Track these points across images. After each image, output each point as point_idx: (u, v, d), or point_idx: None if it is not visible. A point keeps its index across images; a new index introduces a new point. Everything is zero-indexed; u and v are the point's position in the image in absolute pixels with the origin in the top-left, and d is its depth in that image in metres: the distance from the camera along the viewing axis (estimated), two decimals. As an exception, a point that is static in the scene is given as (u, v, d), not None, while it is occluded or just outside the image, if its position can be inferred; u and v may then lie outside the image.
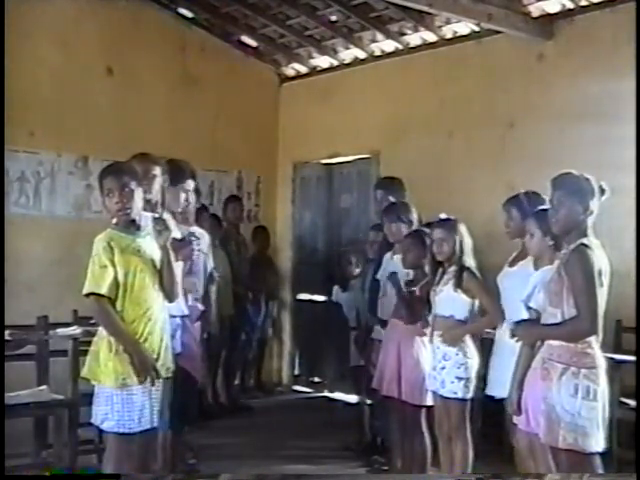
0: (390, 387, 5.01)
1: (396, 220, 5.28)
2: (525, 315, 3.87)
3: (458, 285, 4.65)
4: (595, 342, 3.56)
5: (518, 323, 3.80)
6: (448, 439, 4.72)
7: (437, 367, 4.68)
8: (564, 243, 3.71)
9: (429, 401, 4.87)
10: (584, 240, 3.58)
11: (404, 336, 5.00)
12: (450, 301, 4.68)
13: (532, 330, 3.77)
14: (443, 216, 4.82)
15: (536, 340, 3.74)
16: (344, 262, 6.67)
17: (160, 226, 3.93)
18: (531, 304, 3.82)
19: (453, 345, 4.63)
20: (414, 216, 5.32)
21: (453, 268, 4.70)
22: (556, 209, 3.68)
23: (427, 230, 5.01)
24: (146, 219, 3.99)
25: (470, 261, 4.74)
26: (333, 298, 6.76)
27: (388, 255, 5.42)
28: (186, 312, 4.55)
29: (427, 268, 4.92)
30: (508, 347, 4.10)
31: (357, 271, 6.48)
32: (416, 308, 4.92)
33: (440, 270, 4.77)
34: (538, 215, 4.13)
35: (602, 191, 3.68)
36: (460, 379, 4.61)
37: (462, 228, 4.77)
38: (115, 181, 3.82)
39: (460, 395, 4.62)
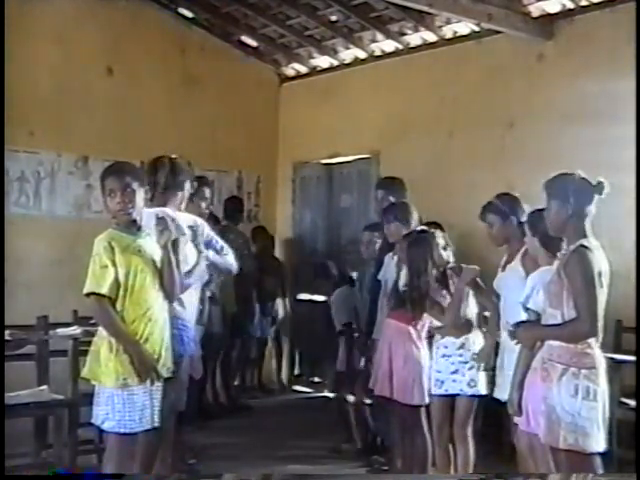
0: (382, 386, 5.03)
1: (393, 220, 5.30)
2: (524, 316, 3.86)
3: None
4: (595, 342, 3.56)
5: (517, 325, 3.80)
6: (449, 442, 4.75)
7: (462, 369, 4.70)
8: (563, 244, 3.71)
9: (420, 401, 4.89)
10: (583, 241, 3.57)
11: (395, 336, 5.02)
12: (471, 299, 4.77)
13: (532, 331, 3.77)
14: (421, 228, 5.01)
15: (536, 342, 3.74)
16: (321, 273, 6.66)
17: (161, 226, 3.93)
18: (529, 305, 3.82)
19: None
20: (414, 216, 5.32)
21: (450, 272, 4.79)
22: (549, 211, 3.69)
23: (427, 231, 5.03)
24: (148, 218, 3.99)
25: None
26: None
27: (389, 255, 5.43)
28: (194, 318, 4.53)
29: (426, 269, 4.94)
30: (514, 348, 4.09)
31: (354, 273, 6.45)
32: (413, 305, 4.94)
33: (440, 274, 4.80)
34: (530, 216, 4.19)
35: (601, 188, 3.64)
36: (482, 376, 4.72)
37: None
38: (117, 181, 3.82)
39: (485, 391, 4.71)
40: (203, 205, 5.40)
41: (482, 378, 4.71)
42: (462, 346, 4.75)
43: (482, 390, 4.71)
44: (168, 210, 4.21)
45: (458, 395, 4.74)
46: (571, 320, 3.53)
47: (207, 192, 5.53)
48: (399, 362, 4.96)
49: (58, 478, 4.43)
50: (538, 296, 3.77)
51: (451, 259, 4.87)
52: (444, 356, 4.78)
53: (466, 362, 4.70)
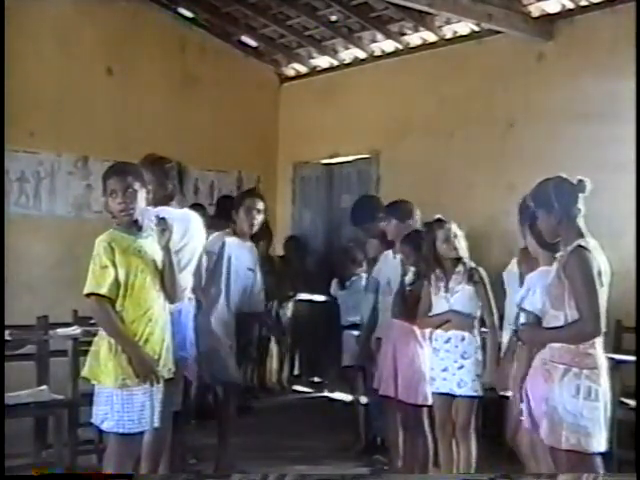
0: (387, 386, 5.03)
1: (393, 219, 5.30)
2: (522, 317, 3.84)
3: (473, 282, 4.69)
4: (598, 342, 3.55)
5: (522, 326, 3.78)
6: (452, 438, 4.73)
7: (451, 367, 4.65)
8: (561, 245, 3.70)
9: (424, 400, 4.88)
10: (581, 242, 3.55)
11: (400, 336, 5.01)
12: (468, 300, 4.70)
13: (536, 334, 3.75)
14: (439, 217, 4.83)
15: (540, 343, 3.72)
16: (346, 259, 6.58)
17: (162, 226, 3.93)
18: (525, 306, 3.81)
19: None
20: (415, 215, 5.31)
21: (460, 268, 4.72)
22: (539, 221, 3.70)
23: (427, 230, 5.01)
24: (149, 218, 3.99)
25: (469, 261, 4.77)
26: (332, 292, 6.69)
27: (385, 254, 5.44)
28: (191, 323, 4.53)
29: (426, 268, 4.94)
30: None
31: (359, 269, 6.42)
32: (414, 307, 4.93)
33: (441, 270, 4.77)
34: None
35: (583, 186, 3.61)
36: (479, 376, 4.64)
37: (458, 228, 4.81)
38: (119, 182, 3.82)
39: (480, 392, 4.65)
40: None
41: (475, 379, 4.64)
42: (448, 341, 4.70)
43: (473, 391, 4.63)
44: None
45: (448, 394, 4.69)
46: (574, 321, 3.51)
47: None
48: (404, 362, 4.96)
49: (58, 478, 4.43)
50: (534, 297, 3.76)
51: (456, 254, 4.76)
52: (435, 350, 4.76)
53: (455, 361, 4.65)
